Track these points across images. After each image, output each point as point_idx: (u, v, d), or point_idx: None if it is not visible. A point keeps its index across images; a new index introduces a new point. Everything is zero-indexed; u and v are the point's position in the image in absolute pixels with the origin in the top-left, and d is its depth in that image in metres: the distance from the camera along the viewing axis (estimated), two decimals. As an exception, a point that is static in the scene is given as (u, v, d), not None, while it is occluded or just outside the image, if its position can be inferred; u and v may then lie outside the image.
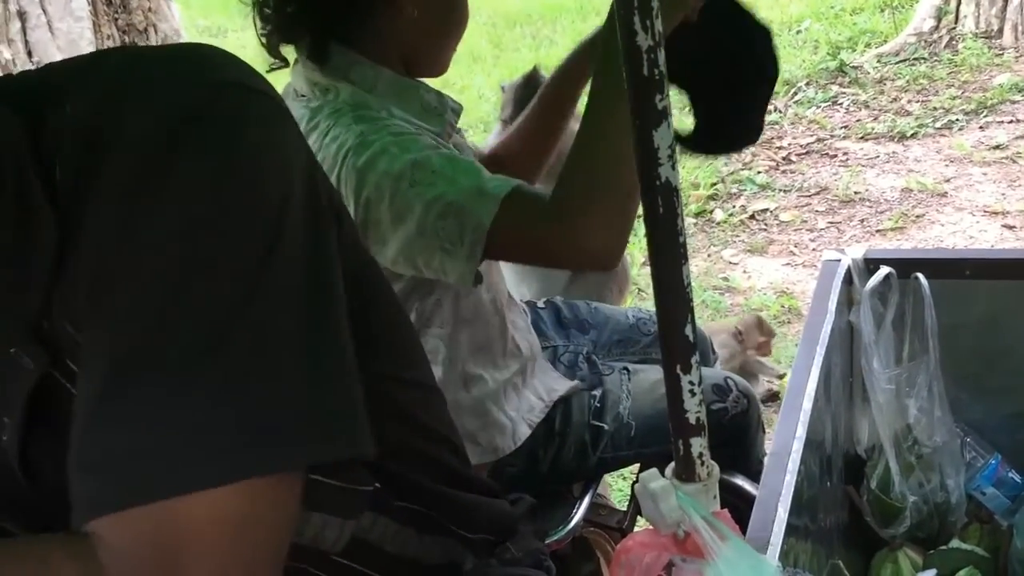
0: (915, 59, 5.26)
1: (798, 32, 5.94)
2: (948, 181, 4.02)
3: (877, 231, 3.74)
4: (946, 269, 1.42)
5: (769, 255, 3.70)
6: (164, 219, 0.57)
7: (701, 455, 0.87)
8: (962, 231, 3.62)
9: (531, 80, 2.10)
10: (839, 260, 1.47)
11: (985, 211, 3.74)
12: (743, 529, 1.01)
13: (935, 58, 5.26)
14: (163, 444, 0.56)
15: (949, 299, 1.44)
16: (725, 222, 3.98)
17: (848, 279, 1.46)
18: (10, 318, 0.63)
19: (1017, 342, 1.47)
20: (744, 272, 3.60)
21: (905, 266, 1.43)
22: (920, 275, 1.42)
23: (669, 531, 0.88)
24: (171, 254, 0.57)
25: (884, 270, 1.43)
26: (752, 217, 3.99)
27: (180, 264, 0.57)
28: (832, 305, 1.36)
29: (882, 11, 5.90)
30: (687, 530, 0.87)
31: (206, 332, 0.57)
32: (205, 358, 0.57)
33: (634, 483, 0.97)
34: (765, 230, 3.89)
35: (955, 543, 1.39)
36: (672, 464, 0.88)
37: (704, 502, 0.88)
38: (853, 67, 5.28)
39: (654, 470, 0.87)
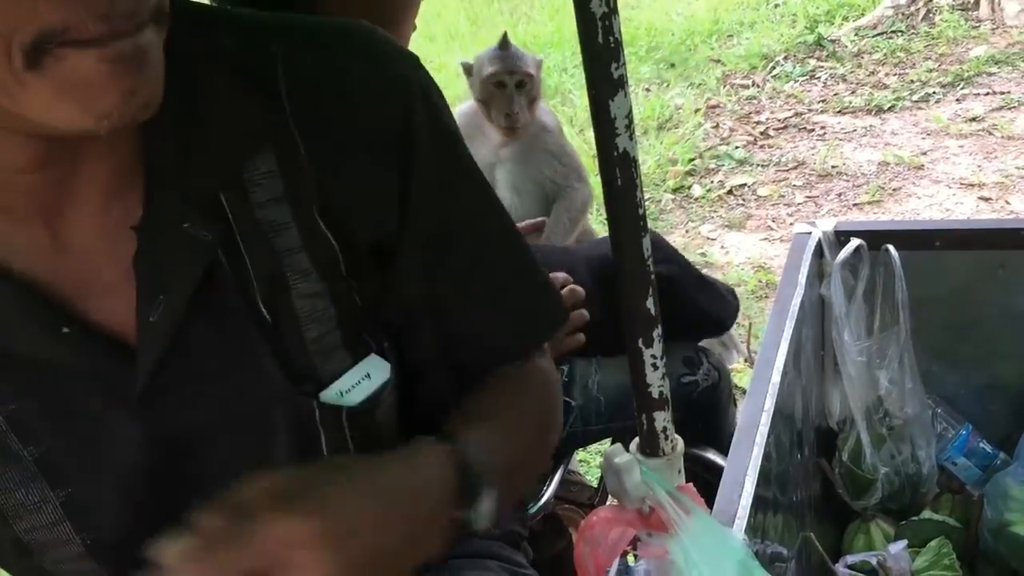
0: (892, 32, 5.26)
1: (776, 6, 5.92)
2: (925, 154, 4.02)
3: (854, 205, 3.74)
4: (916, 240, 1.42)
5: (747, 230, 3.70)
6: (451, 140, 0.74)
7: (665, 429, 0.86)
8: (939, 204, 3.62)
9: (504, 44, 2.06)
10: (810, 233, 1.46)
11: (961, 183, 3.75)
12: (712, 503, 1.01)
13: (912, 31, 5.25)
14: (544, 295, 0.81)
15: (920, 271, 1.44)
16: (703, 197, 3.97)
17: (819, 252, 1.45)
18: (183, 191, 0.63)
19: (987, 313, 1.47)
20: (722, 247, 3.59)
21: (875, 238, 1.42)
22: (890, 247, 1.41)
23: (634, 506, 0.87)
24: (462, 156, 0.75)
25: (854, 242, 1.42)
26: (730, 192, 3.98)
27: (468, 161, 0.76)
28: (802, 278, 1.36)
29: (860, -16, 5.88)
30: (652, 505, 0.86)
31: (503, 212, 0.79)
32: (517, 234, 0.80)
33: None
34: (743, 205, 3.89)
35: (927, 514, 1.40)
36: (637, 439, 0.87)
37: (669, 476, 0.87)
38: (831, 40, 5.27)
39: (618, 445, 0.86)
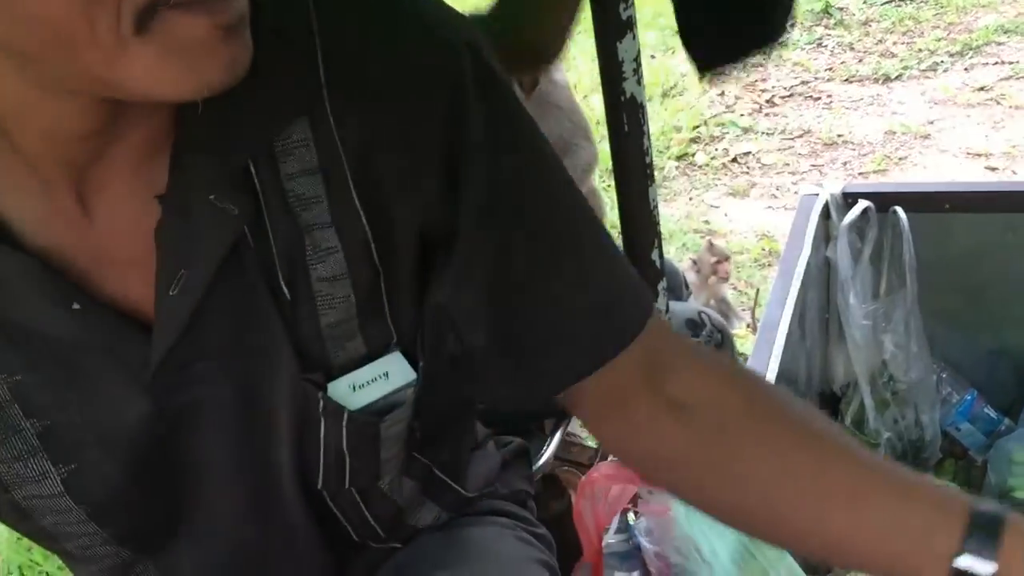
0: (901, 0, 5.19)
1: (783, -27, 5.84)
2: (932, 123, 3.98)
3: (860, 174, 3.70)
4: (925, 203, 1.40)
5: (751, 198, 3.66)
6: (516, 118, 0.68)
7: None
8: (945, 174, 3.59)
9: None
10: (817, 195, 1.44)
11: (968, 153, 3.71)
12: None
13: (921, 0, 5.19)
14: (629, 280, 0.71)
15: (928, 233, 1.42)
16: (707, 165, 3.93)
17: (826, 214, 1.43)
18: (212, 163, 0.60)
19: (996, 277, 1.45)
20: (725, 215, 3.56)
21: (884, 200, 1.40)
22: (899, 209, 1.39)
23: (636, 463, 0.86)
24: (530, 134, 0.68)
25: (862, 204, 1.40)
26: (734, 160, 3.95)
27: (530, 133, 0.69)
28: (808, 240, 1.34)
29: (868, -48, 5.80)
30: (654, 462, 0.85)
31: (578, 196, 0.70)
32: (594, 218, 0.70)
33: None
34: (747, 173, 3.85)
35: (929, 478, 1.38)
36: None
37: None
38: (838, 8, 5.20)
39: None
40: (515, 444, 1.08)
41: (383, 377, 0.68)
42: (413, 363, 0.69)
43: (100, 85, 0.52)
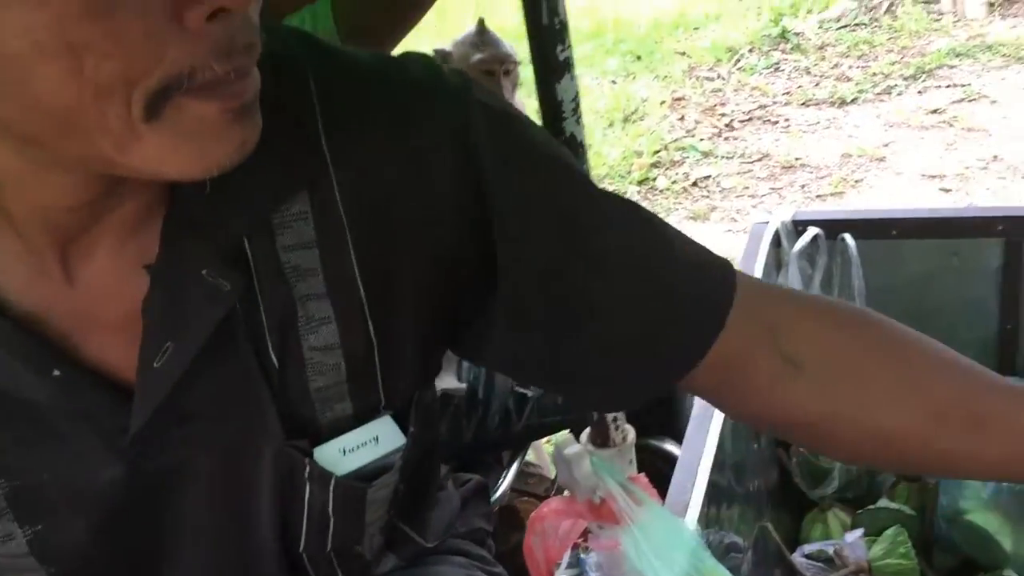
0: (856, 25, 5.30)
1: (741, -1, 5.95)
2: (887, 146, 4.06)
3: (817, 196, 3.76)
4: (873, 229, 1.42)
5: (711, 221, 3.71)
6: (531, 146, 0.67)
7: (616, 419, 0.86)
8: (900, 195, 3.65)
9: (483, 31, 2.03)
10: (767, 222, 1.45)
11: (923, 175, 3.78)
12: (667, 494, 1.00)
13: (875, 24, 5.30)
14: (700, 257, 0.69)
15: (877, 259, 1.44)
16: (668, 189, 3.98)
17: (777, 241, 1.45)
18: (207, 238, 0.59)
19: (944, 300, 1.47)
20: (687, 239, 3.60)
21: (833, 227, 1.42)
22: (847, 236, 1.41)
23: (585, 497, 0.86)
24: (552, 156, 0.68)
25: (812, 231, 1.42)
26: (695, 184, 3.99)
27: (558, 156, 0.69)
28: (759, 267, 1.35)
29: (824, -23, 5.92)
30: (603, 496, 0.85)
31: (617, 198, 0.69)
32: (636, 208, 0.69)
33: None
34: (707, 197, 3.90)
35: (883, 502, 1.40)
36: (588, 429, 0.86)
37: (620, 467, 0.86)
38: (795, 33, 5.30)
39: (569, 435, 0.85)
40: (474, 482, 1.08)
41: (373, 442, 0.67)
42: (403, 426, 0.68)
43: (106, 165, 0.52)
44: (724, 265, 0.70)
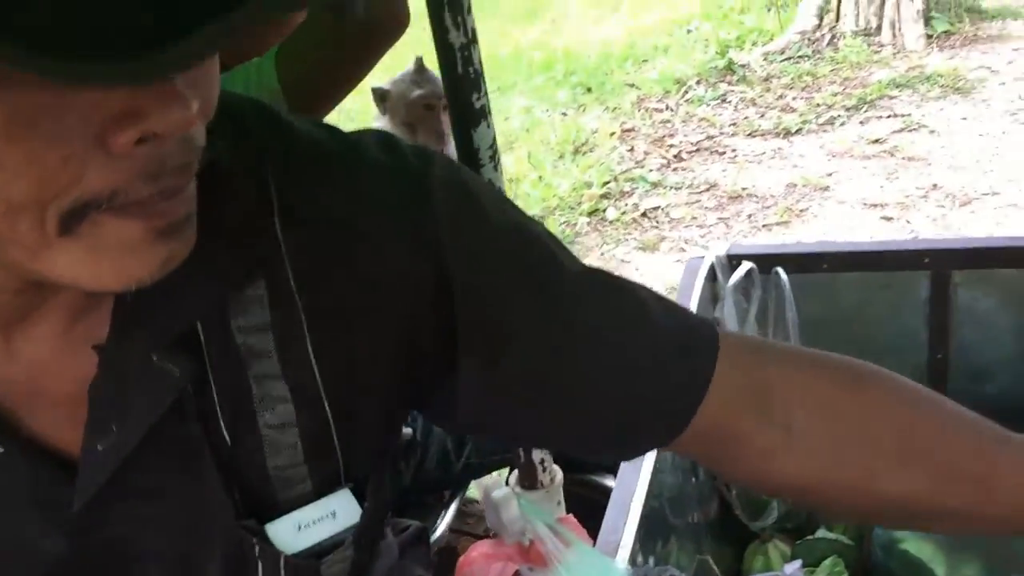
0: (799, 57, 5.42)
1: (689, 32, 6.05)
2: (830, 175, 4.14)
3: (764, 225, 3.82)
4: (804, 263, 1.45)
5: (661, 252, 3.75)
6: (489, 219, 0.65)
7: (543, 461, 0.86)
8: (843, 223, 3.72)
9: (421, 68, 2.04)
10: (703, 257, 1.48)
11: (865, 203, 3.86)
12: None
13: (818, 56, 5.42)
14: (678, 322, 0.66)
15: (811, 292, 1.47)
16: (618, 220, 4.01)
17: (713, 275, 1.47)
18: (157, 323, 0.57)
19: (877, 331, 1.50)
20: (636, 269, 3.63)
21: (766, 261, 1.45)
22: (780, 270, 1.44)
23: (514, 540, 0.86)
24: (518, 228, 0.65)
25: (746, 265, 1.45)
26: (644, 215, 4.04)
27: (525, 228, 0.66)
28: (694, 302, 1.37)
29: (768, 10, 6.05)
30: (531, 539, 0.85)
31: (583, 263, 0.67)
32: (605, 272, 0.67)
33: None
34: (657, 227, 3.94)
35: (821, 532, 1.42)
36: (515, 471, 0.87)
37: (548, 508, 0.87)
38: (741, 65, 5.41)
39: (497, 478, 0.86)
40: (413, 529, 1.06)
41: (330, 517, 0.65)
42: (360, 497, 0.67)
43: (21, 271, 0.50)
44: (705, 331, 0.67)
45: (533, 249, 0.65)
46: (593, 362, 0.65)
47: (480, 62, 0.71)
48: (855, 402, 0.66)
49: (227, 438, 0.61)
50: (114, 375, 0.57)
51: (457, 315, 0.62)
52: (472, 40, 0.70)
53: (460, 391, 0.65)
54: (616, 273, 0.68)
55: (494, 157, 0.73)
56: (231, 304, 0.59)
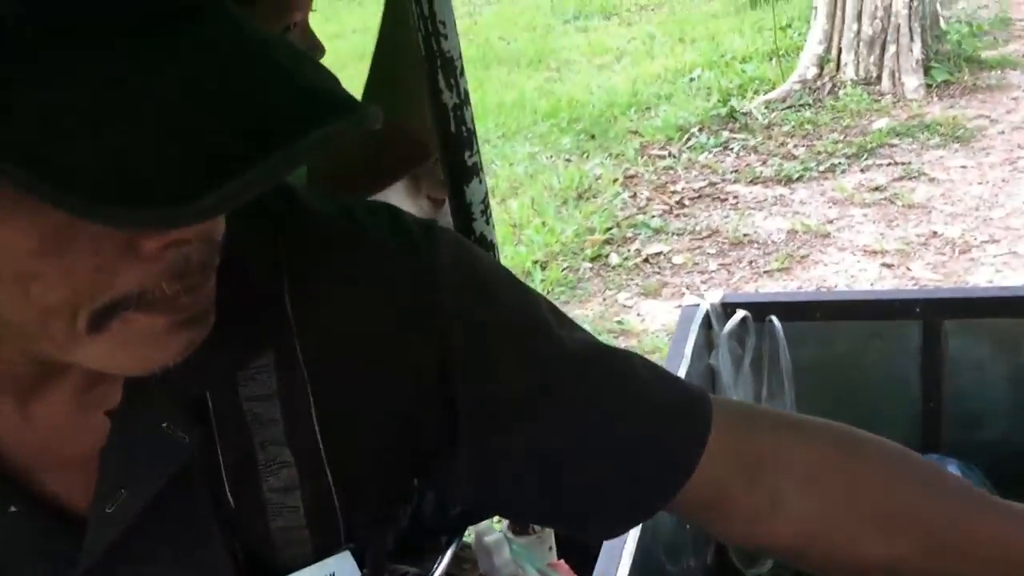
0: (800, 105, 5.48)
1: (691, 80, 6.13)
2: (831, 222, 4.17)
3: (765, 272, 3.85)
4: (798, 312, 1.47)
5: (662, 298, 3.77)
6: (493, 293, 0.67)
7: (534, 506, 0.87)
8: (844, 270, 3.75)
9: None
10: (698, 305, 1.50)
11: (865, 251, 3.89)
12: None
13: (819, 104, 5.49)
14: (673, 397, 0.67)
15: (804, 340, 1.49)
16: (620, 266, 4.05)
17: (707, 323, 1.50)
18: (168, 392, 0.59)
19: (868, 380, 1.52)
20: (638, 315, 3.66)
21: (760, 309, 1.47)
22: (774, 318, 1.46)
23: (505, 585, 0.88)
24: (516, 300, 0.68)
25: (740, 314, 1.47)
26: (646, 260, 4.07)
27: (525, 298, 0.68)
28: (689, 349, 1.39)
29: (770, 59, 6.14)
30: (523, 582, 0.87)
31: (588, 337, 0.69)
32: (605, 346, 0.69)
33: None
34: (659, 273, 3.97)
35: None
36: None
37: (539, 554, 0.88)
38: (743, 113, 5.47)
39: (488, 523, 0.87)
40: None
41: None
42: (360, 558, 0.68)
43: (50, 358, 0.53)
44: (698, 402, 0.68)
45: (534, 329, 0.67)
46: (587, 439, 0.67)
47: (472, 121, 0.75)
48: (842, 469, 0.68)
49: (231, 501, 0.63)
50: (124, 440, 0.59)
51: (458, 393, 0.65)
52: (464, 101, 0.73)
53: (458, 465, 0.67)
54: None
55: (486, 211, 0.76)
56: (239, 372, 0.62)
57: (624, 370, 0.68)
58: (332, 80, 0.49)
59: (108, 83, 0.43)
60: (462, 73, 0.73)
